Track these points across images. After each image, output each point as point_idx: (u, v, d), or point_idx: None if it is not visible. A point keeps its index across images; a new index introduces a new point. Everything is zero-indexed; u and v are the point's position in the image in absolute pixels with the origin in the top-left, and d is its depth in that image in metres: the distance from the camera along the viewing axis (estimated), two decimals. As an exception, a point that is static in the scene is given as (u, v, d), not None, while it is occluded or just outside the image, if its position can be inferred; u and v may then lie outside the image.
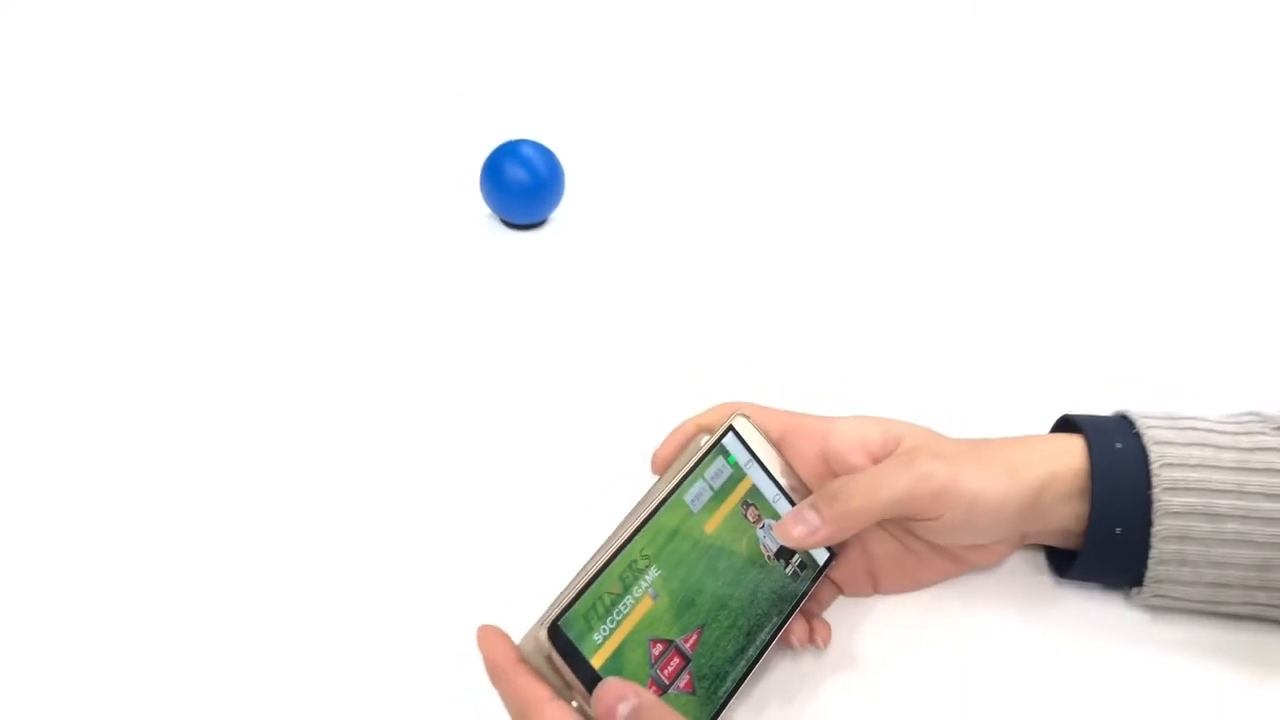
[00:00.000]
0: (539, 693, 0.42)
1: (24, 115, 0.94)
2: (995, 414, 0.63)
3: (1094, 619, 0.53)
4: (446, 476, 0.61)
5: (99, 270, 0.75)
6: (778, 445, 0.52)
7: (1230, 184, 0.93)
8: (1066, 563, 0.53)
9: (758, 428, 0.51)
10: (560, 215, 0.79)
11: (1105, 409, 0.56)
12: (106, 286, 0.74)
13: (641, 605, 0.45)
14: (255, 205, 0.81)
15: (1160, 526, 0.50)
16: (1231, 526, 0.49)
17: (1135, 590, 0.52)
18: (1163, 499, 0.50)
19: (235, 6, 1.09)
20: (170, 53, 1.02)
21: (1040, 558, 0.55)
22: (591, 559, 0.45)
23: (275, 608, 0.55)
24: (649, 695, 0.41)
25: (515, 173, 0.75)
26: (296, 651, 0.53)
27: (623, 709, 0.41)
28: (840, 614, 0.52)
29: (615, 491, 0.50)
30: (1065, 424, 0.54)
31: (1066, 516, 0.51)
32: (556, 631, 0.42)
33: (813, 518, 0.49)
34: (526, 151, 0.75)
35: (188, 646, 0.54)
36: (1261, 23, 1.22)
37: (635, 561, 0.45)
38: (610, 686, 0.41)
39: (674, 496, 0.47)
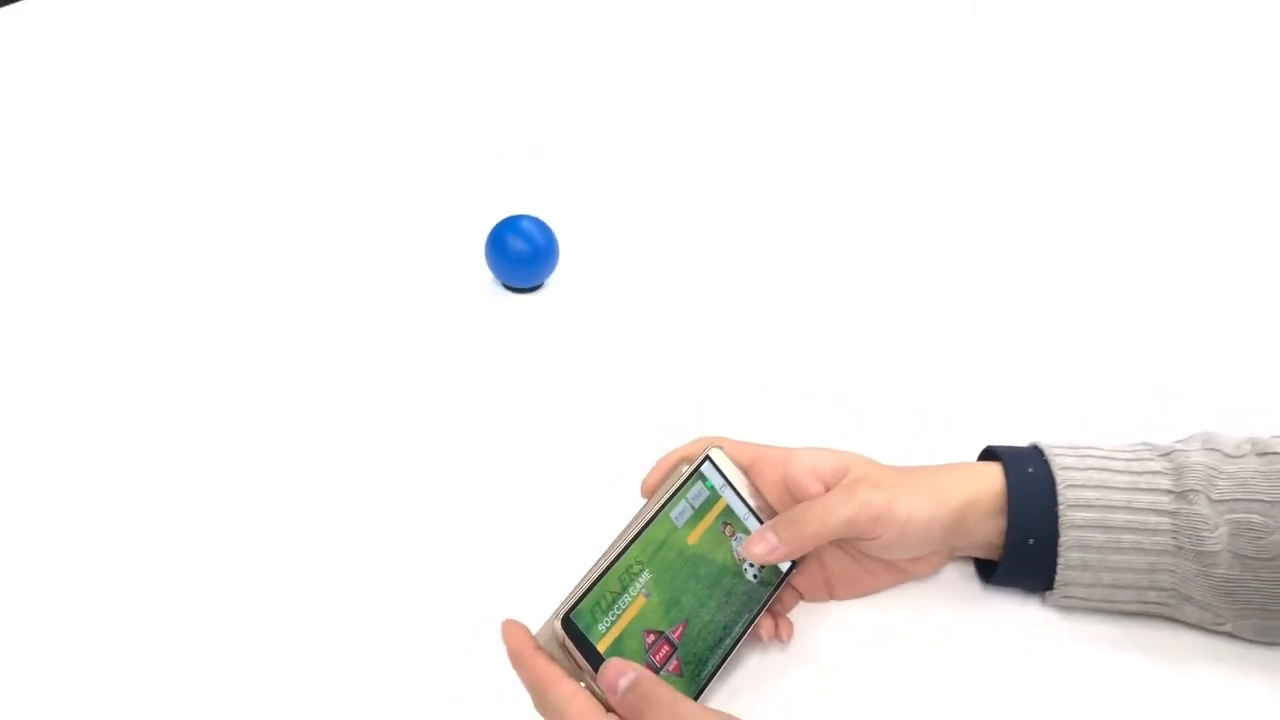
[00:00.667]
0: (554, 672, 0.51)
1: (33, 129, 1.01)
2: (995, 415, 0.67)
3: (1014, 617, 0.62)
4: (455, 504, 0.69)
5: (104, 319, 0.84)
6: (747, 472, 0.62)
7: (1227, 184, 0.97)
8: (991, 571, 0.63)
9: (730, 457, 0.61)
10: (555, 280, 0.87)
11: (1105, 408, 0.62)
12: (113, 330, 0.82)
13: (637, 602, 0.54)
14: (275, 270, 0.89)
15: (1066, 537, 0.59)
16: (1124, 537, 0.59)
17: (1048, 593, 0.62)
18: (1067, 514, 0.59)
19: (253, 65, 1.18)
20: (179, 101, 1.10)
21: (969, 567, 0.64)
22: (595, 564, 0.55)
23: (284, 625, 0.62)
24: (645, 671, 0.51)
25: (515, 243, 0.84)
26: (300, 653, 0.60)
27: (623, 682, 0.50)
28: (801, 615, 0.62)
29: (609, 514, 0.59)
30: (988, 453, 0.65)
31: (989, 531, 0.61)
32: (569, 623, 0.52)
33: (773, 539, 0.59)
34: (525, 225, 0.84)
35: (191, 648, 0.60)
36: (1259, 24, 1.29)
37: (631, 567, 0.55)
38: (613, 664, 0.51)
39: (661, 514, 0.57)
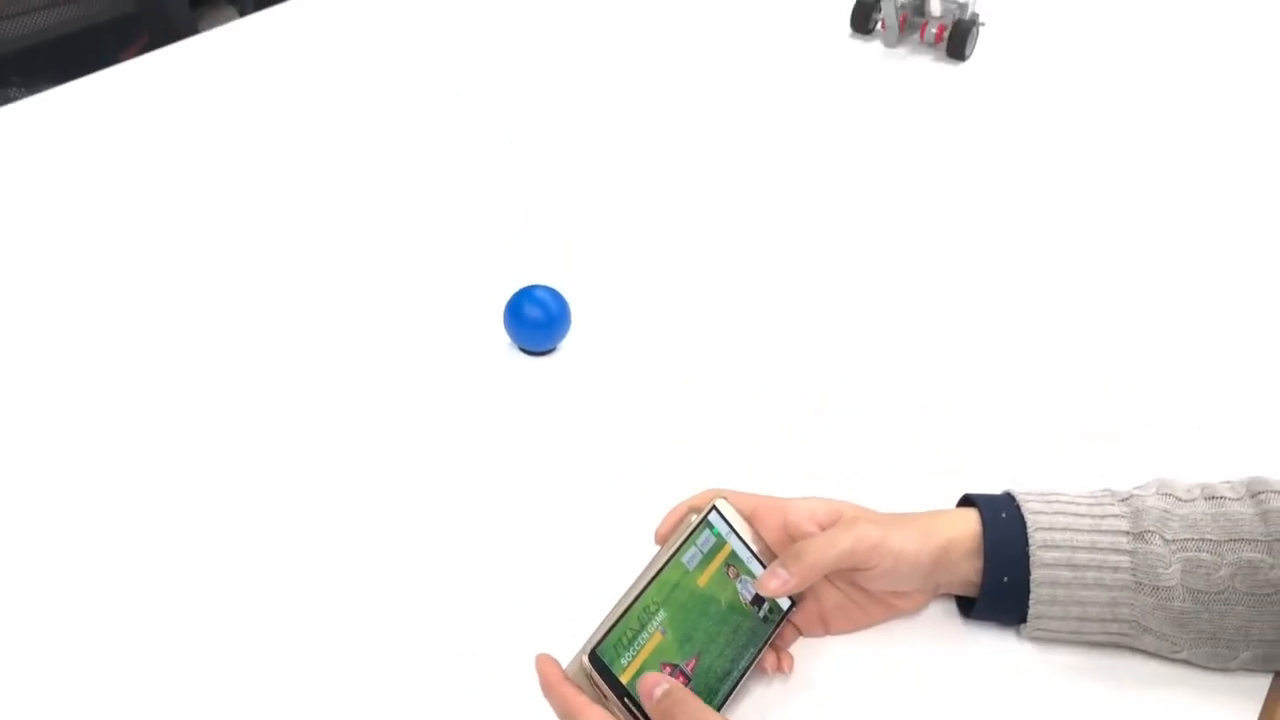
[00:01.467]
0: (582, 700, 0.58)
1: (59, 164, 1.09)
2: (995, 415, 0.71)
3: (992, 649, 0.68)
4: (477, 547, 0.74)
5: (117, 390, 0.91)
6: (749, 519, 0.69)
7: (1224, 182, 1.02)
8: (970, 607, 0.69)
9: (734, 507, 0.68)
10: (568, 345, 0.93)
11: (1105, 408, 0.67)
12: (133, 382, 0.88)
13: (654, 639, 0.61)
14: (301, 334, 0.94)
15: (1037, 575, 0.66)
16: (1089, 574, 0.66)
17: (1022, 626, 0.68)
18: (1037, 554, 0.66)
19: (283, 144, 1.25)
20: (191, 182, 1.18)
21: (951, 604, 0.71)
22: (616, 604, 0.62)
23: (285, 627, 0.67)
24: (676, 683, 0.58)
25: (531, 311, 0.91)
26: (301, 654, 0.65)
27: (658, 691, 0.58)
28: (801, 649, 0.68)
29: (622, 557, 0.66)
30: (965, 500, 0.72)
31: (968, 571, 0.68)
32: (595, 657, 0.58)
33: (783, 573, 0.65)
34: (540, 294, 0.91)
35: (193, 649, 0.65)
36: (1252, 30, 1.38)
37: (648, 607, 0.62)
38: (649, 677, 0.59)
39: (674, 559, 0.64)
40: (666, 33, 1.43)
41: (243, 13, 2.65)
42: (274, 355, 0.93)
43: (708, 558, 0.65)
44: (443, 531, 0.76)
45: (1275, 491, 0.67)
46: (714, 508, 0.67)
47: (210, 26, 2.64)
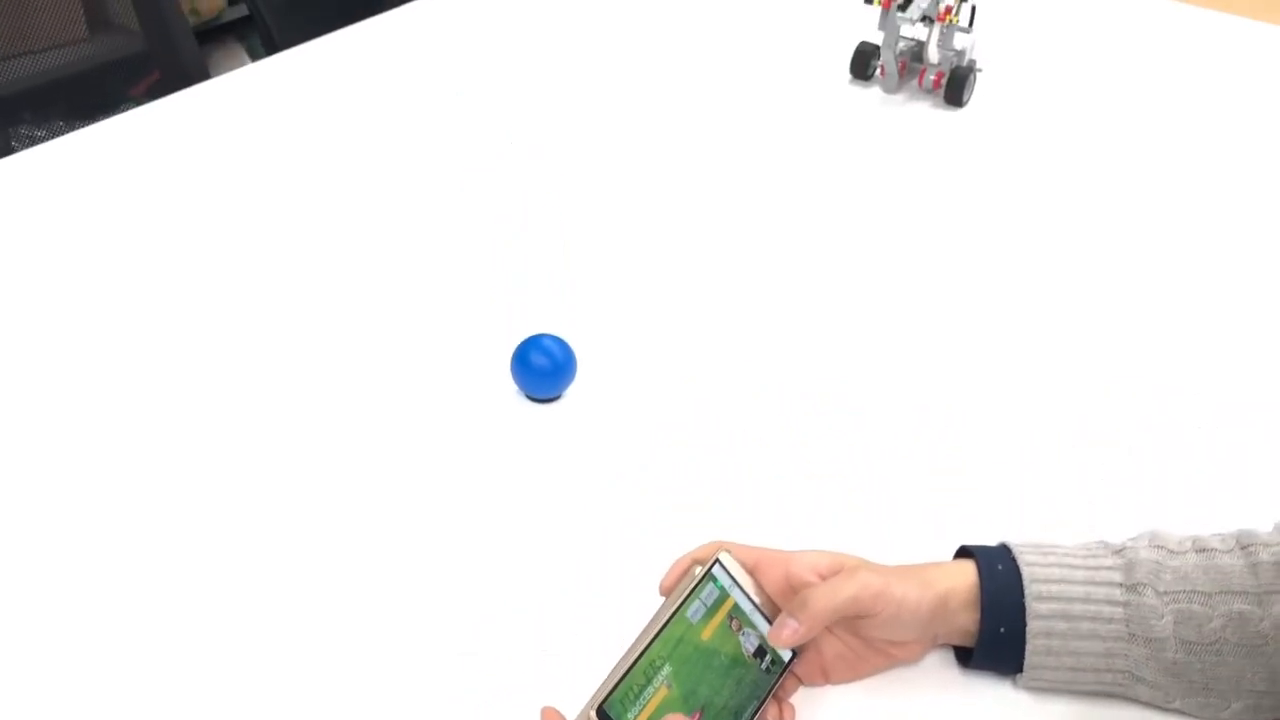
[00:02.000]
0: None
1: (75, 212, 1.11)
2: (995, 415, 0.72)
3: (990, 698, 0.70)
4: (476, 547, 0.76)
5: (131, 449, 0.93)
6: (752, 572, 0.70)
7: (1222, 188, 1.05)
8: (968, 657, 0.71)
9: (737, 559, 0.70)
10: (573, 392, 0.94)
11: (1105, 410, 0.69)
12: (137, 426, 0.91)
13: (660, 692, 0.63)
14: (308, 382, 0.97)
15: (1032, 626, 0.68)
16: (1083, 625, 0.68)
17: (1018, 675, 0.70)
18: (1033, 606, 0.68)
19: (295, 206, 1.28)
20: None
21: (949, 654, 0.72)
22: (622, 659, 0.63)
23: (287, 628, 0.69)
24: None
25: (538, 359, 0.93)
26: (302, 654, 0.67)
27: None
28: (801, 699, 0.70)
29: (626, 605, 0.67)
30: (963, 551, 0.73)
31: (966, 621, 0.70)
32: (603, 712, 0.60)
33: (792, 623, 0.67)
34: (547, 343, 0.93)
35: (194, 650, 0.67)
36: (1232, 89, 1.41)
37: (654, 661, 0.63)
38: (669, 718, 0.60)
39: (678, 613, 0.66)
40: (671, 76, 1.46)
41: (250, 50, 2.69)
42: (284, 389, 0.95)
43: (711, 611, 0.67)
44: (445, 537, 0.78)
45: (1264, 544, 0.68)
46: (717, 560, 0.68)
47: (219, 64, 2.70)
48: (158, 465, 0.88)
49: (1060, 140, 1.31)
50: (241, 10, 2.61)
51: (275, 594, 0.75)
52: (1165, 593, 0.67)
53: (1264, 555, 0.68)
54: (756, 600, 0.69)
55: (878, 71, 1.43)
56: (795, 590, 0.69)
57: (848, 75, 1.45)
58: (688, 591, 0.66)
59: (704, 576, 0.67)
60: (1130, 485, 0.69)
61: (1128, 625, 0.67)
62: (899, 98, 1.40)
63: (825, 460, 0.81)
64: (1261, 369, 0.87)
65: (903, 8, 1.33)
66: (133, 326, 1.03)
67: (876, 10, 1.35)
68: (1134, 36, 1.56)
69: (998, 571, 0.70)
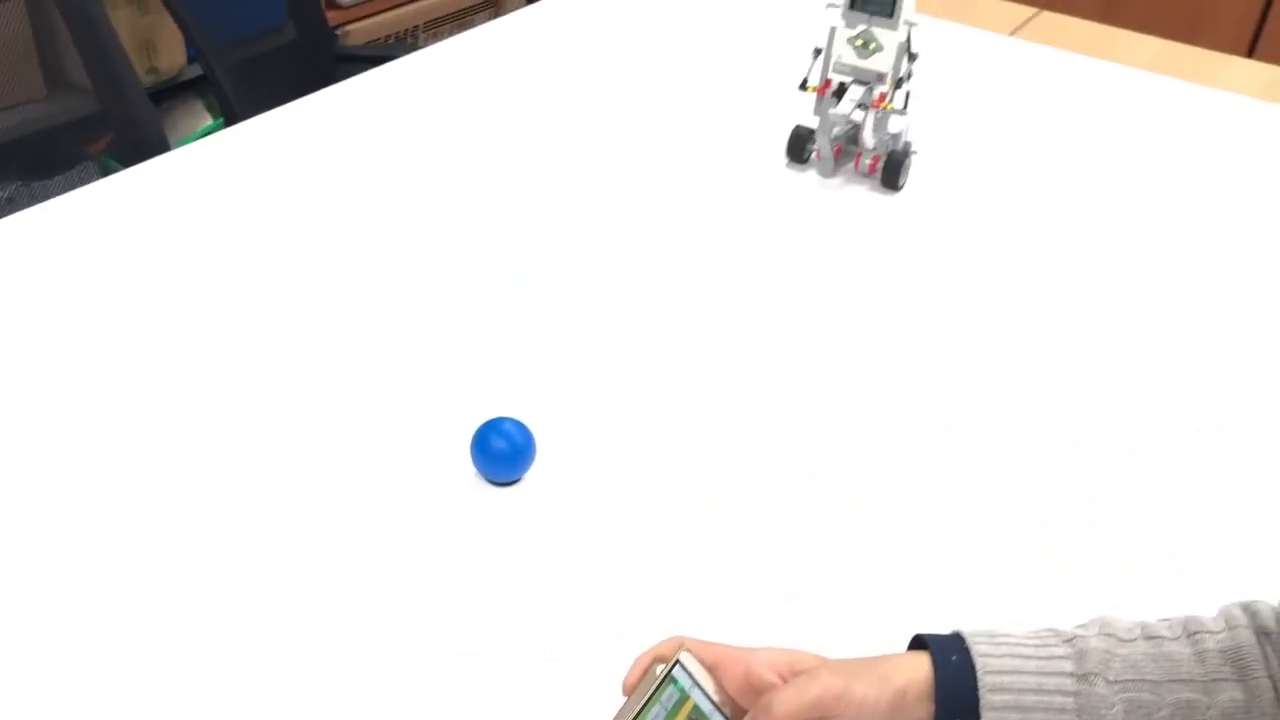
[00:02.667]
0: None
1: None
2: (995, 416, 0.74)
3: (947, 785, 0.72)
4: (485, 591, 0.77)
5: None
6: (712, 670, 0.71)
7: (1222, 191, 1.11)
8: (927, 745, 0.72)
9: (697, 658, 0.71)
10: (532, 475, 0.95)
11: (1105, 412, 0.72)
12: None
13: (621, 797, 0.63)
14: (268, 468, 0.98)
15: (986, 717, 0.69)
16: (1035, 715, 0.69)
17: (975, 765, 0.72)
18: (986, 697, 0.69)
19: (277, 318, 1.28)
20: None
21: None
22: (585, 765, 0.64)
23: (288, 629, 0.71)
24: None
25: (497, 443, 0.94)
26: (303, 655, 0.69)
27: None
28: (763, 796, 0.71)
29: (588, 701, 0.68)
30: (917, 641, 0.75)
31: (923, 713, 0.71)
32: None
33: None
34: (506, 426, 0.94)
35: (195, 651, 0.70)
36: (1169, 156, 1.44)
37: (616, 765, 0.64)
38: None
39: (640, 718, 0.66)
40: (605, 157, 1.46)
41: (209, 106, 2.69)
42: (256, 464, 0.96)
43: (672, 713, 0.67)
44: (445, 538, 0.80)
45: (1209, 632, 0.70)
46: (678, 661, 0.69)
47: (179, 122, 2.69)
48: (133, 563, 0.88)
49: (1000, 222, 1.32)
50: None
51: (276, 598, 0.76)
52: (1115, 681, 0.69)
53: (1210, 644, 0.70)
54: (716, 699, 0.70)
55: (814, 155, 1.43)
56: (755, 689, 0.70)
57: (784, 159, 1.45)
58: (649, 694, 0.67)
59: (665, 678, 0.68)
60: (1130, 485, 0.71)
61: (1079, 715, 0.69)
62: (835, 181, 1.41)
63: (825, 460, 0.83)
64: (1261, 371, 0.89)
65: (837, 95, 1.34)
66: (106, 388, 1.03)
67: (812, 95, 1.36)
68: (1070, 112, 1.60)
69: (951, 663, 0.71)
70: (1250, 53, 2.54)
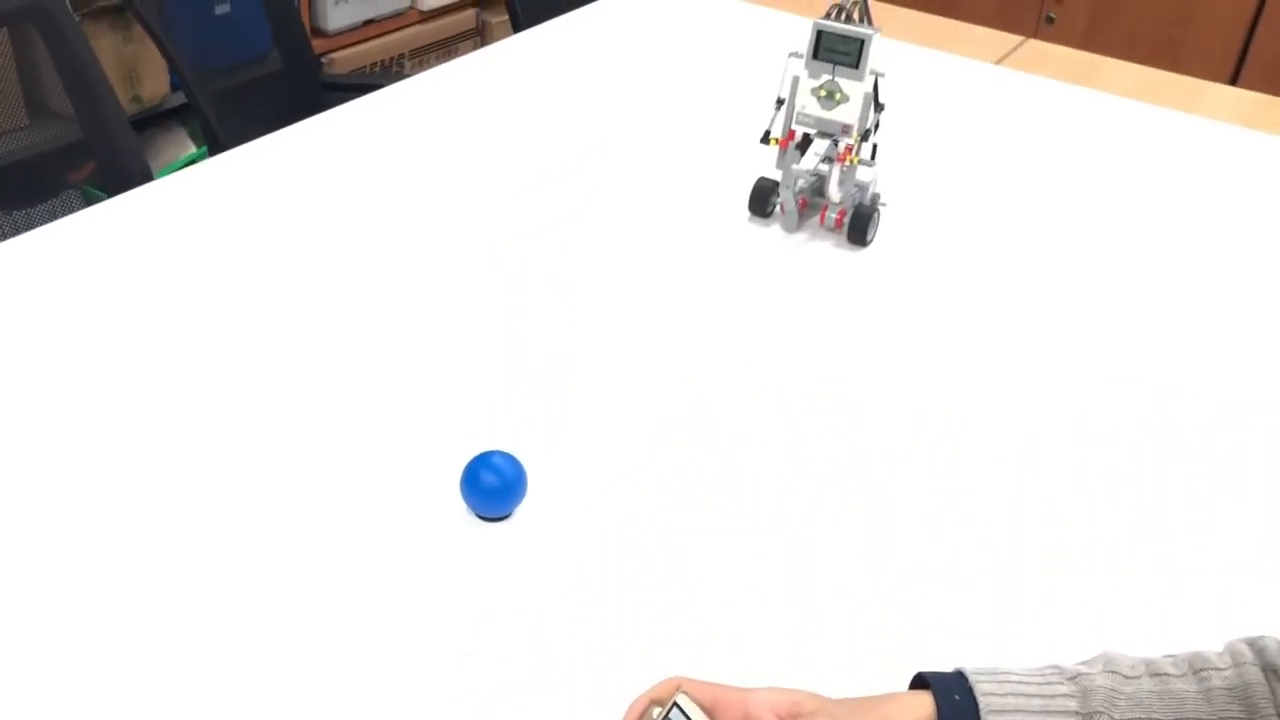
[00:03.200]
0: None
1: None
2: (995, 416, 0.74)
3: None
4: (485, 591, 0.77)
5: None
6: (709, 711, 0.69)
7: (1221, 193, 1.12)
8: (929, 787, 0.71)
9: (694, 700, 0.69)
10: (523, 511, 0.93)
11: (1105, 412, 0.72)
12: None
13: (618, 846, 0.61)
14: (260, 501, 0.97)
15: (990, 756, 0.68)
16: (1039, 753, 0.68)
17: (978, 805, 0.70)
18: (990, 736, 0.68)
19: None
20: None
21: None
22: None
23: (288, 629, 0.69)
24: None
25: (487, 477, 0.92)
26: (303, 655, 0.68)
27: None
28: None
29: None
30: (919, 679, 0.73)
31: (925, 753, 0.70)
32: None
33: None
34: (497, 460, 0.93)
35: (195, 651, 0.69)
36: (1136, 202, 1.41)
37: (612, 813, 0.62)
38: None
39: (637, 761, 0.64)
40: (584, 192, 1.44)
41: (192, 134, 2.67)
42: (251, 480, 0.95)
43: (669, 757, 0.66)
44: (446, 537, 0.81)
45: (1215, 669, 0.69)
46: (675, 703, 0.68)
47: (162, 149, 2.67)
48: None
49: (994, 239, 1.31)
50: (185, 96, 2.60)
51: (277, 604, 0.76)
52: (1121, 721, 0.68)
53: (1216, 681, 0.68)
54: (714, 742, 0.68)
55: (777, 209, 1.36)
56: (753, 731, 0.68)
57: (747, 213, 1.38)
58: (646, 738, 0.65)
59: (661, 720, 0.67)
60: (1130, 485, 0.71)
61: (1085, 755, 0.67)
62: (799, 237, 1.33)
63: (825, 460, 0.83)
64: (1261, 372, 0.89)
65: (801, 148, 1.27)
66: (90, 417, 1.02)
67: (774, 149, 1.29)
68: (1055, 139, 1.59)
69: (955, 702, 0.69)
70: (1234, 81, 2.56)
